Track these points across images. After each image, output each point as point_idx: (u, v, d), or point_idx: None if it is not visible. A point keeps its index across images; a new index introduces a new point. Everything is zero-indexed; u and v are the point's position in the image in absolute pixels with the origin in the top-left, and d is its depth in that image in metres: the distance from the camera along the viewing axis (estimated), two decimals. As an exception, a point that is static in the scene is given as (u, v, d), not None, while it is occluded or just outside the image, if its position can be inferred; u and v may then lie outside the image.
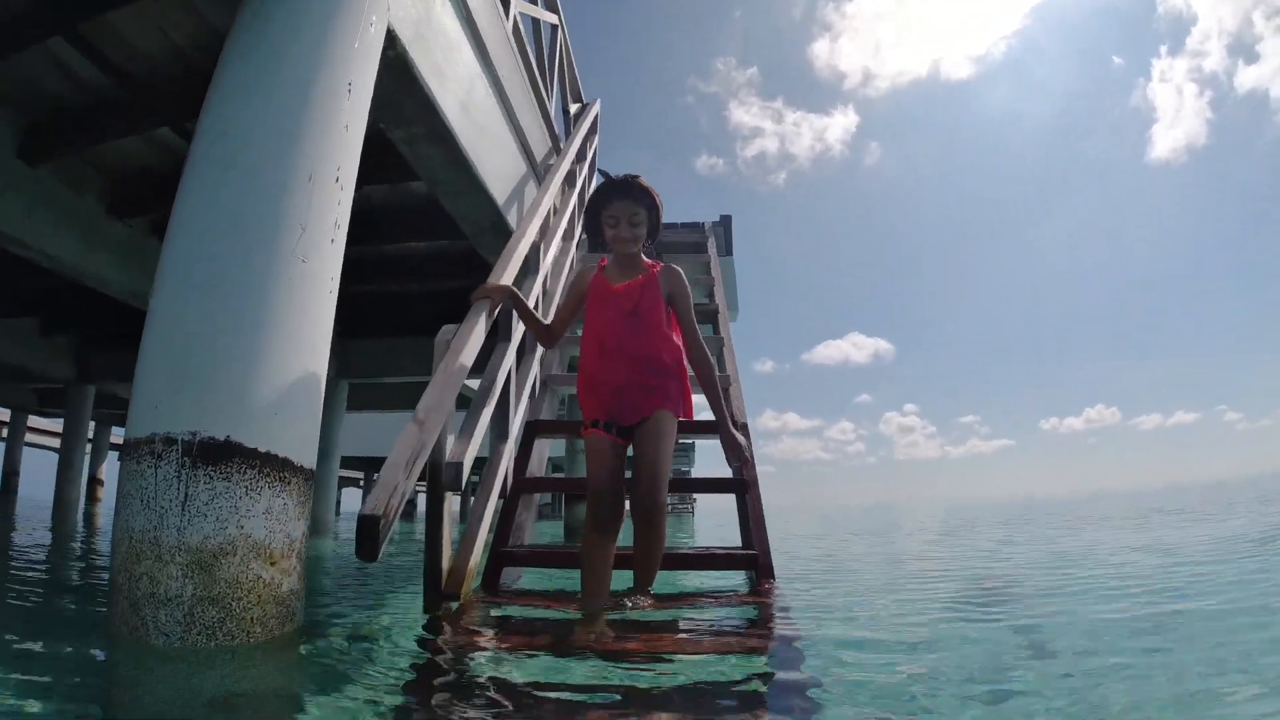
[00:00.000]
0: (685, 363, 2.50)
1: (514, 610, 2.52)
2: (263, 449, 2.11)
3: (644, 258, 2.54)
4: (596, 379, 2.46)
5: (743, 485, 3.49)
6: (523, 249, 3.65)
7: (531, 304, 3.82)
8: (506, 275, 3.28)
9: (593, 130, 6.99)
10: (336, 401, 10.01)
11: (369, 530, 1.95)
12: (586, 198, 6.88)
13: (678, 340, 2.49)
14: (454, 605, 2.52)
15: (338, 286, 2.50)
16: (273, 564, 2.10)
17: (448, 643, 2.05)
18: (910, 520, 13.52)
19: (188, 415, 2.07)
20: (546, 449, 4.09)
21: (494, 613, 2.48)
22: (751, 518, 3.33)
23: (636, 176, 2.44)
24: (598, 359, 2.46)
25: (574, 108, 7.43)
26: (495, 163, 4.57)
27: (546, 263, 4.40)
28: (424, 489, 2.77)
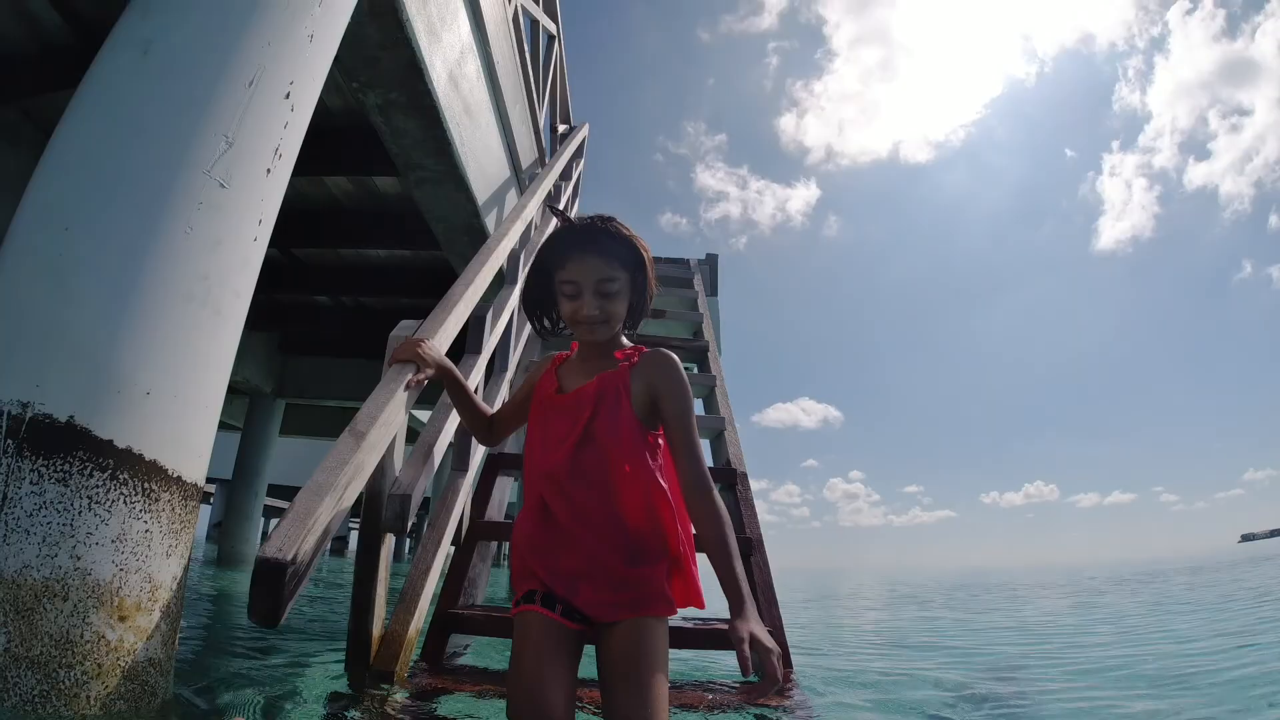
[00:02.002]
0: (679, 521, 1.47)
1: (465, 705, 1.86)
2: (121, 443, 1.46)
3: (623, 341, 1.56)
4: (535, 548, 1.45)
5: (746, 545, 2.91)
6: (502, 252, 3.09)
7: (500, 327, 3.24)
8: (480, 280, 2.70)
9: (579, 154, 6.54)
10: (270, 421, 9.17)
11: (268, 582, 1.33)
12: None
13: (666, 482, 1.45)
14: (386, 689, 1.87)
15: (268, 236, 1.90)
16: (122, 618, 1.44)
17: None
18: (877, 591, 13.08)
19: (19, 379, 1.43)
20: (507, 491, 3.47)
21: (441, 708, 1.82)
22: (759, 584, 2.75)
23: (610, 219, 1.45)
24: (536, 519, 1.46)
25: (562, 128, 6.99)
26: (479, 154, 4.02)
27: (525, 275, 3.83)
28: (356, 525, 2.12)
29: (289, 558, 1.35)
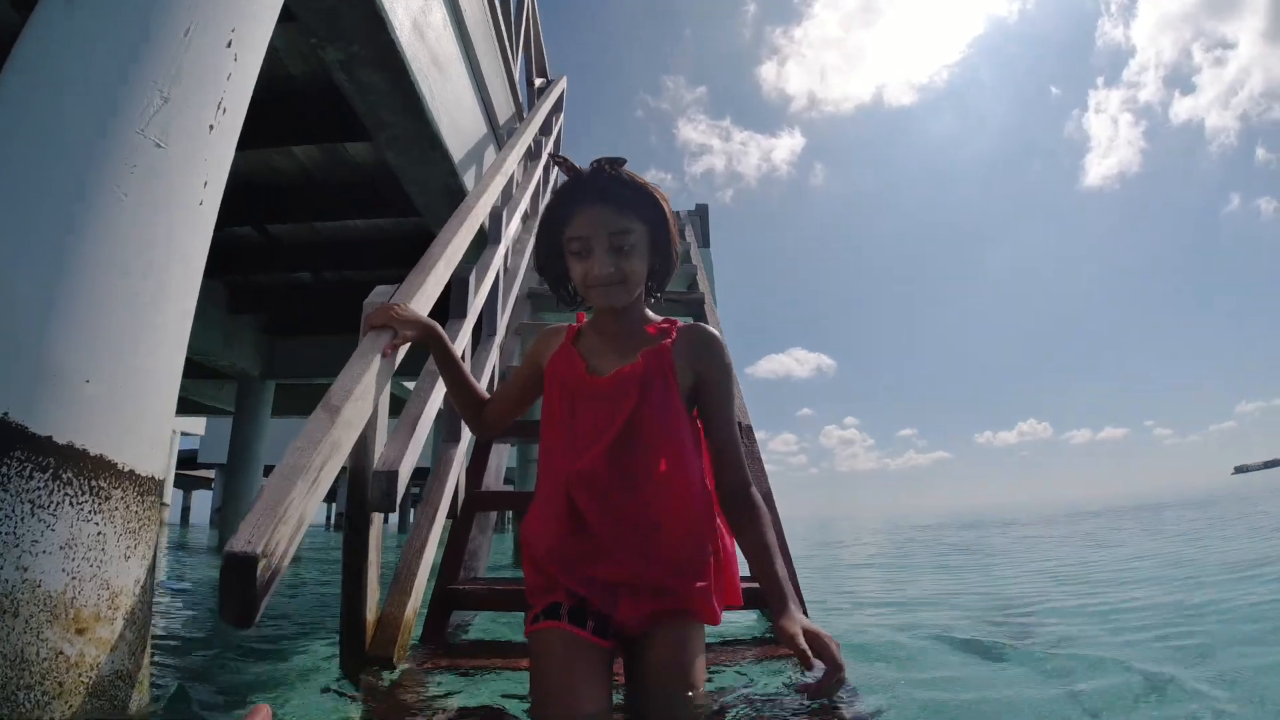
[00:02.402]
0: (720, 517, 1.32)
1: (470, 683, 1.74)
2: (61, 439, 1.31)
3: (649, 314, 1.38)
4: (564, 560, 1.26)
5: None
6: (481, 209, 2.91)
7: (486, 288, 3.07)
8: (459, 240, 2.53)
9: (558, 107, 6.29)
10: (261, 404, 9.02)
11: (237, 578, 1.20)
12: (553, 176, 6.17)
13: (708, 480, 1.31)
14: (386, 675, 1.76)
15: (217, 199, 1.73)
16: (80, 631, 1.31)
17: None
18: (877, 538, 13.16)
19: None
20: (505, 456, 3.34)
21: (444, 688, 1.70)
22: (769, 543, 2.64)
23: (618, 163, 1.28)
24: (563, 526, 1.26)
25: (539, 82, 6.72)
26: (452, 110, 3.80)
27: (509, 234, 3.65)
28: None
29: (259, 550, 1.21)
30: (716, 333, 1.34)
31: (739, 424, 3.25)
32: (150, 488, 1.52)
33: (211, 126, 1.68)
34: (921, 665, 2.11)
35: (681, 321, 1.37)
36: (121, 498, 1.42)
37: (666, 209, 1.32)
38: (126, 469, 1.43)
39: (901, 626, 2.78)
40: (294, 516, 1.34)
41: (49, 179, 1.42)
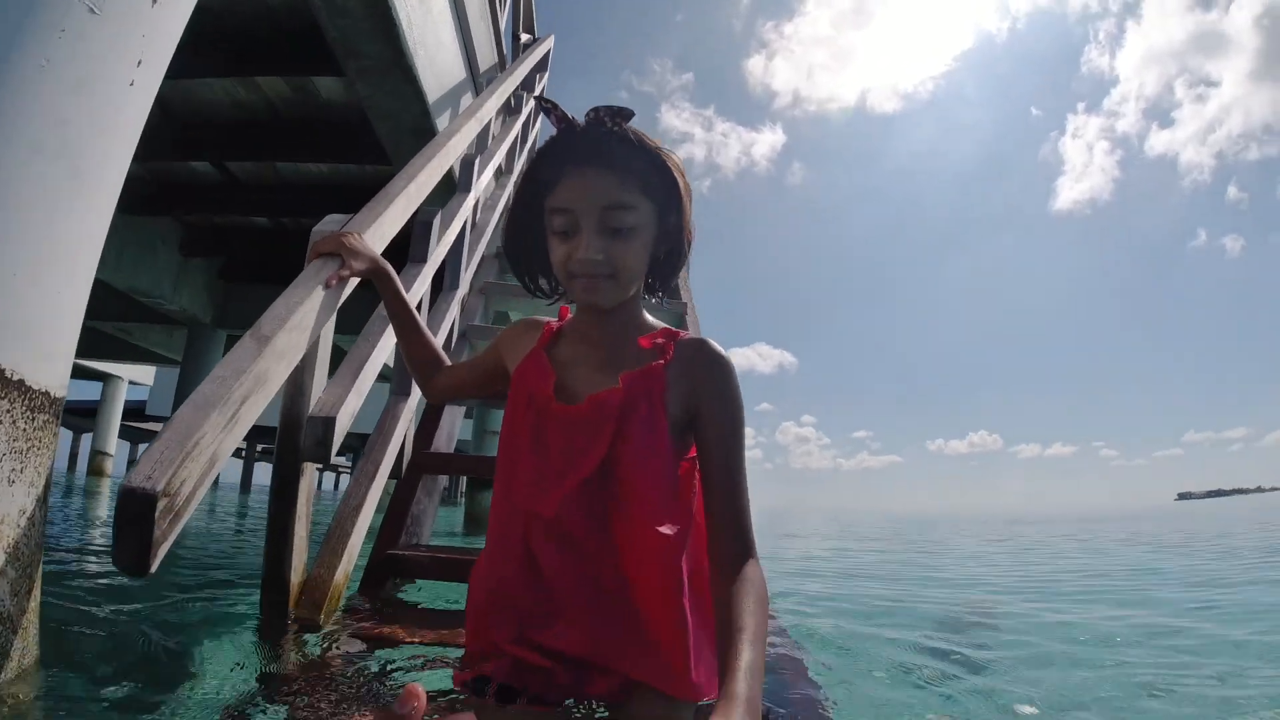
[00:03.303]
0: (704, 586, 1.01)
1: (405, 654, 1.56)
2: None
3: (647, 318, 1.10)
4: (502, 608, 1.02)
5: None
6: (452, 150, 2.69)
7: (451, 236, 2.85)
8: (425, 176, 2.31)
9: (543, 66, 6.04)
10: (211, 353, 8.65)
11: (133, 519, 1.04)
12: (533, 135, 5.93)
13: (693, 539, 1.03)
14: (310, 639, 1.58)
15: (154, 85, 1.52)
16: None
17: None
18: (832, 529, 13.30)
19: None
20: (459, 420, 3.15)
21: (374, 655, 1.52)
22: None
23: (622, 115, 0.97)
24: (515, 569, 1.01)
25: (525, 38, 6.47)
26: (429, 46, 3.56)
27: (480, 185, 3.43)
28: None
29: (159, 488, 1.04)
30: (724, 353, 1.04)
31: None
32: (43, 404, 1.31)
33: (155, 1, 1.45)
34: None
35: (684, 333, 1.07)
36: (8, 410, 1.22)
37: (682, 182, 1.01)
38: (15, 377, 1.22)
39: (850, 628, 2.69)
40: (205, 453, 1.16)
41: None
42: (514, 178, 4.76)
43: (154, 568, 1.05)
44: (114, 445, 19.82)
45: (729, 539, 0.95)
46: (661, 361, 1.02)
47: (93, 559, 3.55)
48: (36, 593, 1.33)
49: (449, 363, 1.35)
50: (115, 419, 19.45)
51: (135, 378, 20.01)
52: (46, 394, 1.30)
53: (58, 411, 1.36)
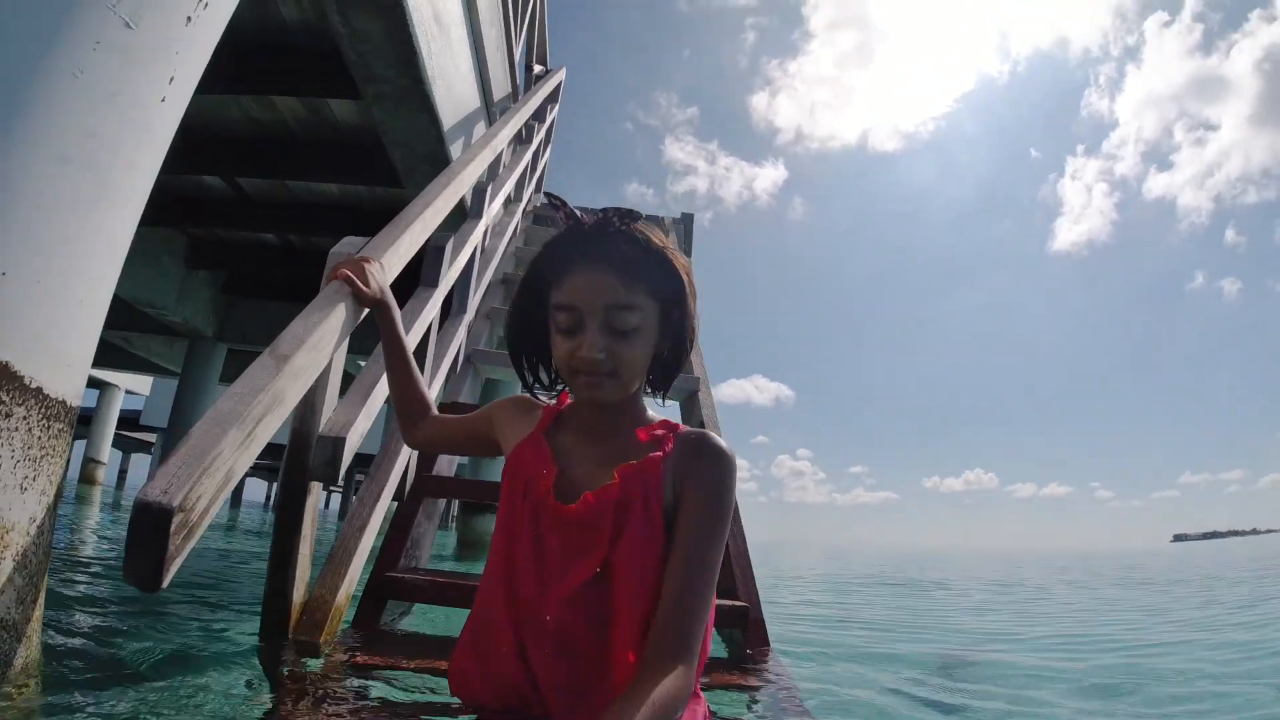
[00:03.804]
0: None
1: (402, 678, 1.55)
2: None
3: (646, 410, 1.10)
4: (495, 689, 1.00)
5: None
6: (466, 179, 2.74)
7: (462, 261, 2.89)
8: (440, 203, 2.35)
9: (554, 97, 6.14)
10: (211, 366, 8.66)
11: (148, 534, 1.03)
12: (541, 164, 6.01)
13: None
14: (311, 663, 1.57)
15: (183, 102, 1.55)
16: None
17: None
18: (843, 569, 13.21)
19: None
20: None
21: (373, 685, 1.51)
22: (733, 556, 2.50)
23: (631, 217, 0.99)
24: (506, 668, 0.98)
25: (538, 69, 6.57)
26: (447, 74, 3.63)
27: (491, 212, 3.48)
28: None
29: (175, 503, 1.04)
30: (725, 446, 1.00)
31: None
32: (59, 413, 1.32)
33: (190, 19, 1.49)
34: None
35: (685, 427, 1.05)
36: (24, 417, 1.23)
37: (688, 283, 1.02)
38: (34, 385, 1.24)
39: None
40: (221, 469, 1.16)
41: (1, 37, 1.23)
42: (521, 206, 4.81)
43: (166, 583, 1.05)
44: (107, 454, 19.70)
45: (661, 638, 0.89)
46: (659, 455, 0.99)
47: (90, 568, 3.52)
48: (41, 601, 1.33)
49: (435, 411, 1.35)
50: (110, 427, 19.37)
51: (132, 387, 19.96)
52: (63, 403, 1.31)
53: (72, 421, 1.37)
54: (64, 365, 1.31)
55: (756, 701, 1.67)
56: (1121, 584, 9.67)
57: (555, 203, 1.04)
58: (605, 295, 0.95)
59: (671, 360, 1.06)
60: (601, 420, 1.06)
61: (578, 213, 1.01)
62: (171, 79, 1.48)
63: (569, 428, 1.09)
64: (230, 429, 1.18)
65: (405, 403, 1.34)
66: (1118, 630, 4.38)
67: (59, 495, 1.36)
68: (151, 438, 27.24)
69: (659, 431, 1.03)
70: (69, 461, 1.40)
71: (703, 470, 0.98)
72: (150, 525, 1.02)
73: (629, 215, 0.99)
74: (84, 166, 1.30)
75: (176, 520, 1.04)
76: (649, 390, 1.09)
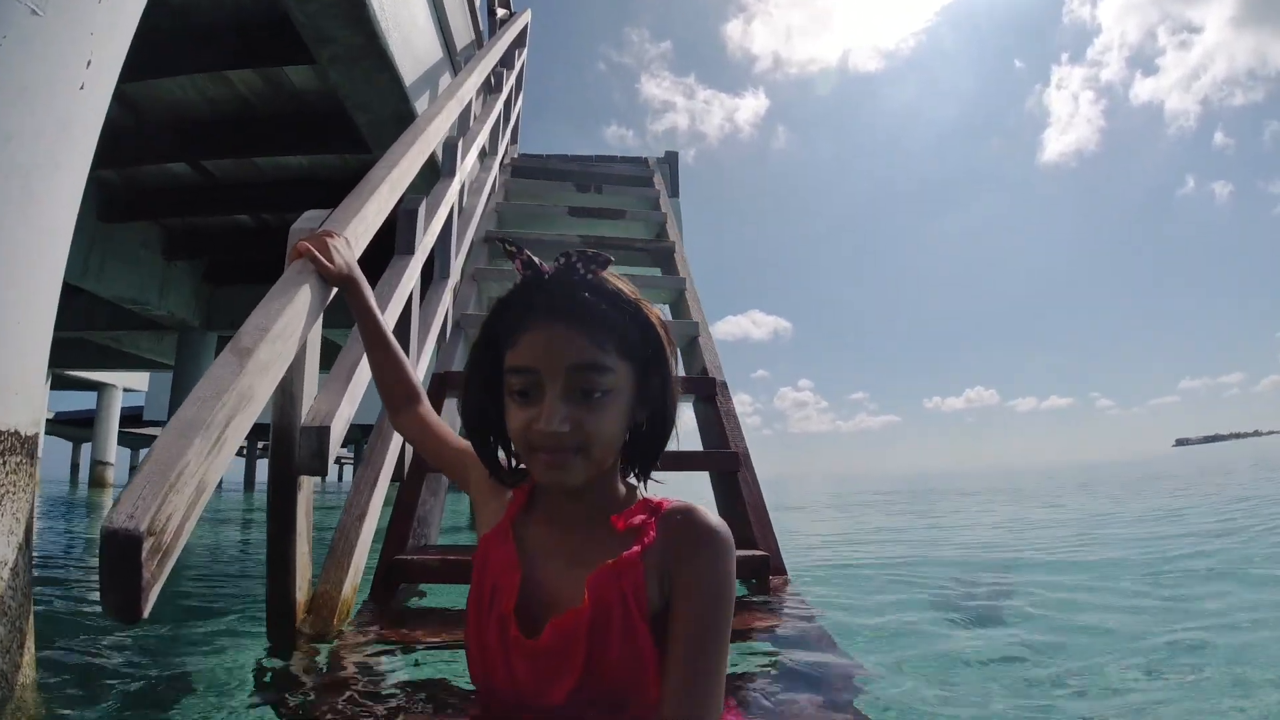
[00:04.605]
0: None
1: (421, 657, 1.48)
2: None
3: (620, 489, 0.92)
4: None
5: (731, 461, 2.59)
6: (434, 134, 2.57)
7: (439, 224, 2.74)
8: (406, 163, 2.20)
9: (521, 41, 5.86)
10: (202, 356, 8.54)
11: (119, 561, 0.96)
12: (515, 113, 5.77)
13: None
14: (320, 655, 1.51)
15: (107, 88, 1.41)
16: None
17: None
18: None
19: None
20: (457, 414, 3.06)
21: (389, 662, 1.45)
22: (749, 504, 2.44)
23: (597, 261, 0.86)
24: None
25: (501, 13, 6.27)
26: (404, 26, 3.42)
27: (465, 168, 3.31)
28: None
29: (142, 527, 0.96)
30: (715, 526, 0.84)
31: (714, 380, 2.97)
32: (13, 445, 1.22)
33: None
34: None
35: (670, 503, 0.88)
36: (-24, 457, 1.13)
37: (666, 340, 0.88)
38: (-23, 422, 1.13)
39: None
40: (190, 483, 1.07)
41: None
42: (498, 160, 4.62)
43: (146, 613, 0.98)
44: (114, 454, 19.73)
45: None
46: (637, 549, 0.84)
47: (93, 580, 3.47)
48: (30, 644, 1.25)
49: (424, 396, 1.22)
50: (113, 428, 19.33)
51: (130, 384, 19.88)
52: (16, 434, 1.21)
53: (32, 450, 1.27)
54: (10, 394, 1.20)
55: (778, 633, 1.67)
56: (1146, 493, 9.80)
57: (510, 250, 0.88)
58: (569, 354, 0.80)
59: (651, 435, 0.90)
60: (571, 507, 0.90)
61: (535, 260, 0.86)
62: (89, 63, 1.33)
63: (538, 517, 0.94)
64: (195, 438, 1.09)
65: (388, 387, 1.22)
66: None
67: (30, 530, 1.26)
68: (157, 431, 27.31)
69: (638, 519, 0.87)
70: (36, 492, 1.30)
71: (694, 560, 0.83)
72: (119, 554, 0.94)
73: (595, 260, 0.85)
74: (4, 174, 1.17)
75: (147, 546, 0.96)
76: (624, 471, 0.93)
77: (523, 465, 0.91)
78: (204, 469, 1.11)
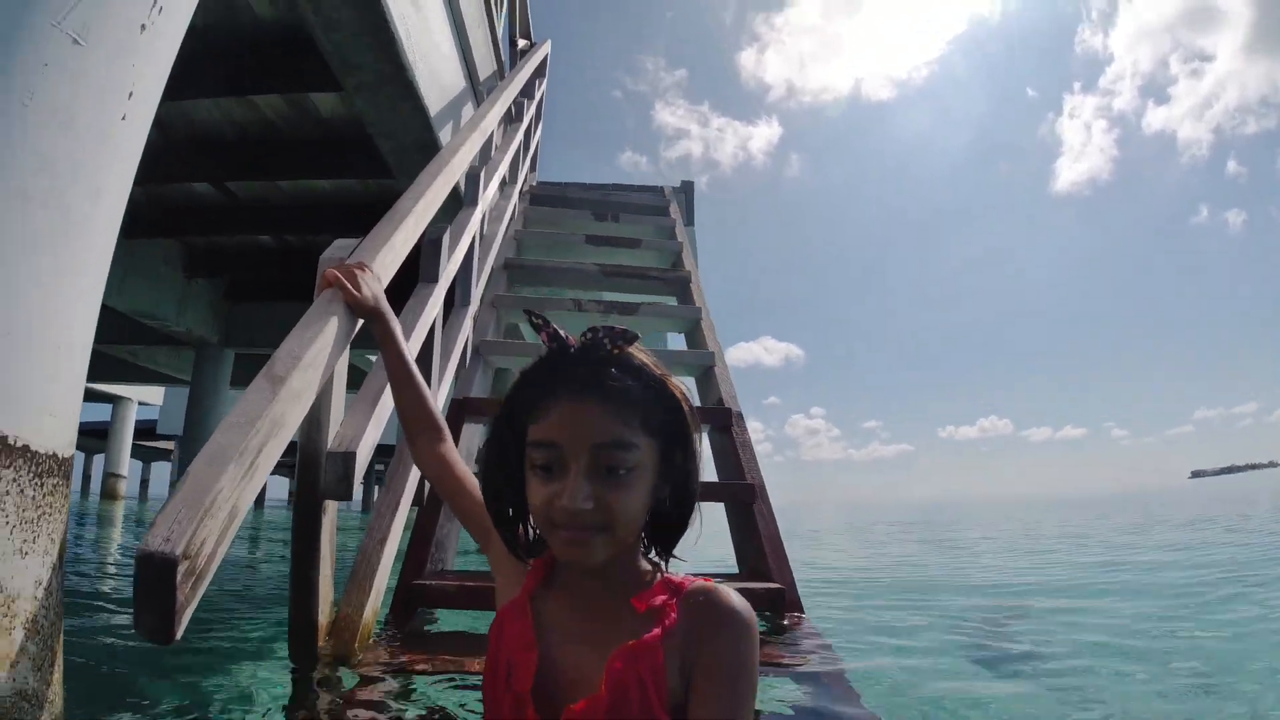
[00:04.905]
0: None
1: (439, 686, 1.49)
2: None
3: (642, 567, 0.90)
4: None
5: (748, 492, 2.60)
6: (458, 165, 2.63)
7: (461, 252, 2.79)
8: (432, 193, 2.25)
9: (541, 71, 5.97)
10: (219, 373, 8.63)
11: (155, 583, 0.98)
12: (534, 142, 5.86)
13: None
14: (342, 677, 1.53)
15: (147, 118, 1.45)
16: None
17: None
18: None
19: None
20: (477, 437, 3.09)
21: (408, 689, 1.46)
22: (764, 537, 2.44)
23: (624, 338, 0.85)
24: None
25: (522, 43, 6.39)
26: (429, 56, 3.49)
27: (487, 197, 3.37)
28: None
29: (178, 550, 0.98)
30: (740, 608, 0.82)
31: (729, 410, 2.98)
32: (51, 467, 1.24)
33: (144, 26, 1.38)
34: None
35: (692, 582, 0.87)
36: (14, 480, 1.14)
37: (690, 417, 0.87)
38: (19, 444, 1.15)
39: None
40: (223, 509, 1.10)
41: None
42: (517, 188, 4.69)
43: (179, 634, 1.00)
44: (126, 466, 19.86)
45: None
46: (658, 632, 0.82)
47: (111, 599, 3.50)
48: (59, 663, 1.27)
49: (446, 432, 1.23)
50: (127, 440, 19.48)
51: (144, 398, 20.05)
52: (54, 456, 1.23)
53: (67, 472, 1.29)
54: (48, 416, 1.22)
55: (796, 676, 1.64)
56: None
57: (537, 322, 0.87)
58: (594, 432, 0.80)
59: (674, 512, 0.89)
60: (591, 585, 0.88)
61: (561, 333, 0.86)
62: (131, 94, 1.38)
63: (557, 594, 0.91)
64: (229, 464, 1.11)
65: (411, 423, 1.23)
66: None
67: (64, 551, 1.29)
68: (170, 445, 27.51)
69: (659, 599, 0.85)
70: (69, 513, 1.33)
71: (715, 641, 0.81)
72: (155, 577, 0.97)
73: (622, 336, 0.84)
74: (44, 202, 1.20)
75: (182, 569, 0.98)
76: (646, 550, 0.91)
77: (542, 536, 0.89)
78: (236, 495, 1.13)
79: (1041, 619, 2.88)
